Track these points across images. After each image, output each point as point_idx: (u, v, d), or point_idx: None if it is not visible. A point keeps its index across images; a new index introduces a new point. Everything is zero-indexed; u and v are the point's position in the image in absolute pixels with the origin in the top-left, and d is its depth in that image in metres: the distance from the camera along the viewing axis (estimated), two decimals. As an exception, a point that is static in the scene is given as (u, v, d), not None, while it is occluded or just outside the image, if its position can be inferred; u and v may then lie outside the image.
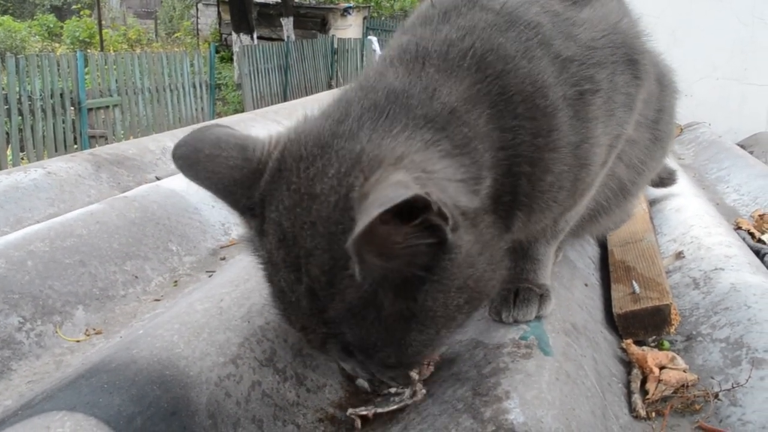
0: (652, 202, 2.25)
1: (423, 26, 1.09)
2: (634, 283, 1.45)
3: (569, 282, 1.45)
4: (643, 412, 1.14)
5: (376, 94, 0.95)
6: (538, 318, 1.19)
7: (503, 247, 0.99)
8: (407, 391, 1.08)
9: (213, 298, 1.17)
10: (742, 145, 3.69)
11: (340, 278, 0.83)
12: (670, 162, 2.42)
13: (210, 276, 1.55)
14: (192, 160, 0.95)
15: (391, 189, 0.73)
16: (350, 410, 1.07)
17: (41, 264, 1.35)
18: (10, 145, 8.81)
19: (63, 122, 9.41)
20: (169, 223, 1.66)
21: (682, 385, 1.20)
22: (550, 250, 1.29)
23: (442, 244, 0.82)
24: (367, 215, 0.69)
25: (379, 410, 1.06)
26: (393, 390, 1.09)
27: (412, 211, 0.75)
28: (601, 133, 1.10)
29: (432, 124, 0.92)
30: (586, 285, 1.51)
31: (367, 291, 0.83)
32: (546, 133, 1.02)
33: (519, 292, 1.20)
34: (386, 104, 0.93)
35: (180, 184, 1.86)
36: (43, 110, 9.11)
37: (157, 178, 2.15)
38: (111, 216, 1.56)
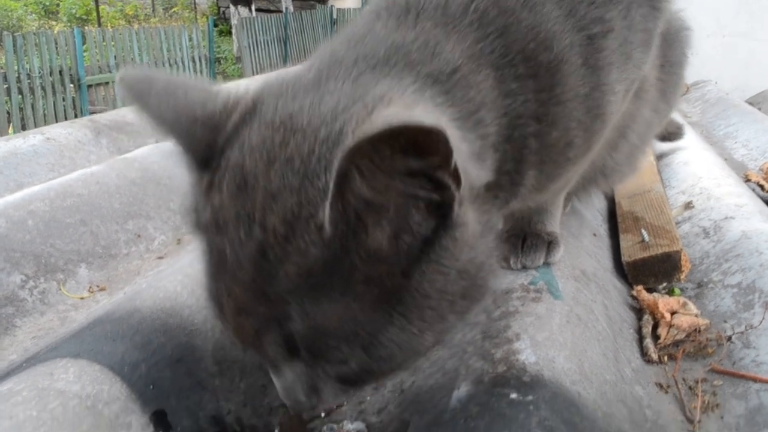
0: (660, 156, 2.21)
1: None
2: (643, 231, 1.43)
3: (577, 231, 1.43)
4: (655, 356, 1.13)
5: (369, 46, 0.81)
6: (547, 264, 1.17)
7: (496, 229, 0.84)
8: None
9: (216, 251, 1.15)
10: (750, 103, 3.64)
11: (303, 230, 0.66)
12: (677, 117, 2.39)
13: (213, 234, 1.54)
14: (144, 88, 0.77)
15: (409, 113, 0.62)
16: None
17: (42, 223, 1.33)
18: (11, 124, 8.77)
19: (63, 100, 9.36)
20: (170, 183, 1.64)
21: (694, 330, 1.19)
22: (558, 200, 1.26)
23: (445, 215, 0.68)
24: (377, 121, 0.57)
25: None
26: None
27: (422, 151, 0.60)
28: (615, 80, 0.99)
29: (439, 86, 0.79)
30: (594, 235, 1.49)
31: (335, 253, 0.66)
32: (549, 87, 0.91)
33: (527, 238, 1.18)
34: (385, 56, 0.79)
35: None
36: (43, 88, 9.06)
37: (157, 143, 2.13)
38: (111, 176, 1.55)
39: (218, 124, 0.76)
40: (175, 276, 1.06)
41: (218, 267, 0.73)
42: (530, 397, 0.81)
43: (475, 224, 0.73)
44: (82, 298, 1.26)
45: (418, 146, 0.59)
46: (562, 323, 0.99)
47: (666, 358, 1.14)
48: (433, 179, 0.64)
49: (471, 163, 0.75)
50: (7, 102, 8.69)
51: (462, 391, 0.86)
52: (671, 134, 2.15)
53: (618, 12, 0.98)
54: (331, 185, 0.60)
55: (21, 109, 8.87)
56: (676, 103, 1.51)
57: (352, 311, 0.68)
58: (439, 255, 0.69)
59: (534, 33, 0.89)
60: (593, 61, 0.95)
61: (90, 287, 1.29)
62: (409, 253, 0.68)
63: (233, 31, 14.94)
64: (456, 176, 0.64)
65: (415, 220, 0.67)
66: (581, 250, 1.33)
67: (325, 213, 0.63)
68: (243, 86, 0.85)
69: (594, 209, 1.69)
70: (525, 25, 0.89)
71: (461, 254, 0.71)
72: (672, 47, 1.34)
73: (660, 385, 1.06)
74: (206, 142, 0.76)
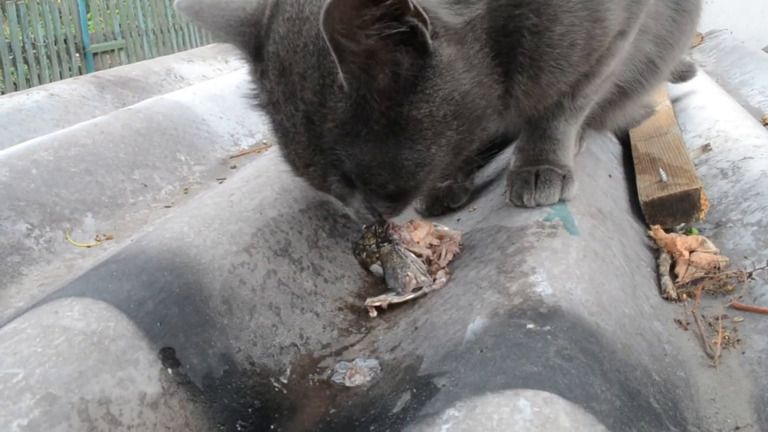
0: (675, 101, 2.16)
1: None
2: (661, 170, 1.39)
3: (593, 171, 1.39)
4: (674, 294, 1.10)
5: None
6: (562, 201, 1.13)
7: (495, 82, 0.97)
8: (426, 280, 1.04)
9: (223, 194, 1.13)
10: (766, 51, 3.56)
11: (330, 94, 0.87)
12: (688, 58, 2.34)
13: (221, 183, 1.51)
14: (196, 8, 0.99)
15: None
16: (368, 300, 1.04)
17: (46, 172, 1.31)
18: (18, 94, 8.73)
19: (69, 69, 9.28)
20: (176, 134, 1.61)
21: (714, 267, 1.16)
22: (570, 129, 1.22)
23: (423, 51, 0.85)
24: None
25: (395, 300, 1.03)
26: (412, 280, 1.05)
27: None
28: None
29: None
30: (609, 176, 1.46)
31: (356, 103, 0.86)
32: None
33: (540, 174, 1.13)
34: None
35: (186, 96, 1.80)
36: (48, 57, 8.98)
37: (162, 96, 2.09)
38: (115, 126, 1.52)
39: (257, 21, 0.95)
40: (181, 218, 1.03)
41: (283, 137, 0.96)
42: (548, 327, 0.78)
43: (457, 58, 0.89)
44: (89, 247, 1.24)
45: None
46: (578, 257, 0.96)
47: (685, 295, 1.11)
48: (399, 19, 0.80)
49: (444, 7, 0.88)
50: (13, 72, 8.63)
51: (477, 323, 0.84)
52: (683, 74, 2.10)
53: None
54: (332, 53, 0.80)
55: (27, 80, 8.81)
56: (697, 21, 1.46)
57: (377, 145, 0.89)
58: (423, 85, 0.87)
59: None
60: None
61: (97, 236, 1.27)
62: (401, 87, 0.86)
63: (238, -4, 14.76)
64: (418, 14, 0.80)
65: (399, 57, 0.85)
66: (597, 189, 1.29)
67: (340, 75, 0.83)
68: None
69: (609, 153, 1.65)
70: None
71: (443, 83, 0.88)
72: None
73: (679, 322, 1.04)
74: (252, 38, 0.96)
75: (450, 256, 1.09)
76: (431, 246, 1.11)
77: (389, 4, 0.78)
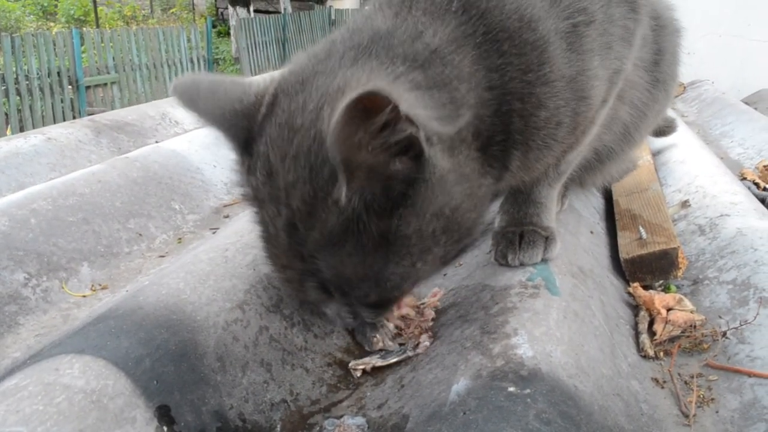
0: (656, 154, 2.23)
1: None
2: (641, 228, 1.45)
3: (575, 228, 1.44)
4: (651, 352, 1.14)
5: (361, 36, 0.96)
6: (545, 261, 1.18)
7: (487, 186, 0.98)
8: (392, 345, 1.09)
9: (218, 249, 1.16)
10: (746, 102, 3.66)
11: (322, 206, 0.84)
12: (669, 112, 2.41)
13: (214, 233, 1.55)
14: (192, 93, 0.97)
15: (354, 91, 0.73)
16: (351, 363, 1.07)
17: (44, 222, 1.34)
18: (9, 126, 8.75)
19: (62, 101, 9.32)
20: (171, 183, 1.66)
21: (690, 326, 1.20)
22: (552, 192, 1.28)
23: (418, 160, 0.83)
24: (334, 112, 0.72)
25: (379, 363, 1.06)
26: (379, 342, 1.09)
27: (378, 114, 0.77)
28: (599, 65, 1.08)
29: (410, 63, 0.92)
30: (591, 233, 1.51)
31: (348, 217, 0.84)
32: (537, 67, 1.00)
33: (524, 234, 1.19)
34: (369, 44, 0.94)
35: (181, 144, 1.84)
36: (41, 89, 9.03)
37: (157, 143, 2.14)
38: (112, 175, 1.56)
39: (252, 115, 0.94)
40: (177, 273, 1.07)
41: (264, 233, 0.94)
42: (528, 391, 0.82)
43: (448, 171, 0.88)
44: (84, 296, 1.27)
45: (372, 108, 0.74)
46: (559, 319, 1.00)
47: (662, 353, 1.15)
48: (395, 127, 0.78)
49: (435, 118, 0.86)
50: (5, 103, 8.66)
51: (461, 385, 0.87)
52: (664, 129, 2.17)
53: (599, 6, 1.08)
54: (341, 173, 0.78)
55: (19, 111, 8.84)
56: (672, 92, 1.54)
57: (361, 259, 0.87)
58: (414, 199, 0.85)
59: (518, 15, 0.99)
60: (577, 45, 1.04)
61: (92, 286, 1.30)
62: (394, 201, 0.85)
63: (232, 32, 14.92)
64: (409, 120, 0.78)
65: (395, 168, 0.83)
66: (578, 248, 1.34)
67: (342, 191, 0.81)
68: (269, 78, 1.00)
69: (591, 208, 1.71)
70: (508, 9, 0.99)
71: (434, 197, 0.87)
72: (666, 36, 1.40)
73: (656, 380, 1.07)
74: (244, 131, 0.95)
75: (433, 314, 1.13)
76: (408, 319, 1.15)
77: (389, 111, 0.75)
